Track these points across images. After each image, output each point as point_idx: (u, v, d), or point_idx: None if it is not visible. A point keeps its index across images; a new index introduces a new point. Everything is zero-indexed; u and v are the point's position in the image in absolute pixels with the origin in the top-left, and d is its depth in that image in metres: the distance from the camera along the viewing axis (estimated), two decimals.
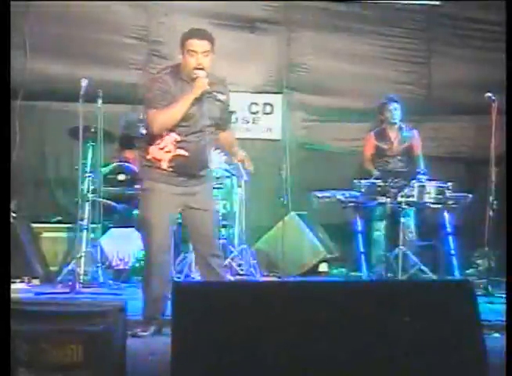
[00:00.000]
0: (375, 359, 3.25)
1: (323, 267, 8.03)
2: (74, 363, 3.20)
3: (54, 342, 3.19)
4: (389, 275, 7.07)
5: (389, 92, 8.49)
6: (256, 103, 8.75)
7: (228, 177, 7.46)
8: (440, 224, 7.52)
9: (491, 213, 6.66)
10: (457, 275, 7.29)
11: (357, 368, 3.23)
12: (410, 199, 7.02)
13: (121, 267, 7.24)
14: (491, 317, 5.14)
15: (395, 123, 7.67)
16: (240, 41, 8.64)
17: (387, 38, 8.85)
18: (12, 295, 3.49)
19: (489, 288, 6.58)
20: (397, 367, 3.27)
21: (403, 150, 7.68)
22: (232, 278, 6.74)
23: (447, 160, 7.94)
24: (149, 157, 4.93)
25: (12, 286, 6.01)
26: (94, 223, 7.01)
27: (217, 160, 6.88)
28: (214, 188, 5.87)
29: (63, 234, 7.55)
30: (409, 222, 7.43)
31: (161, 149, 4.87)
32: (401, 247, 6.94)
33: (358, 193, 7.30)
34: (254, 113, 8.73)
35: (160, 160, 4.88)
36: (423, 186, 7.07)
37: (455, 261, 7.38)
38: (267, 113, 8.77)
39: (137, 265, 7.24)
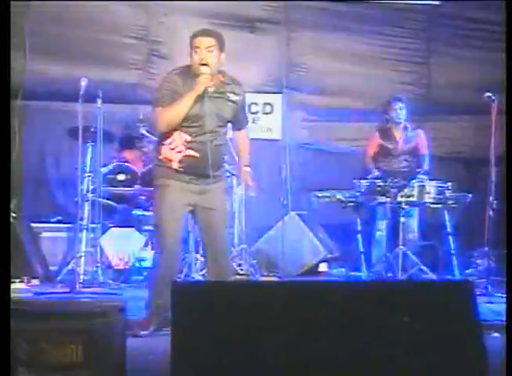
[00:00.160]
0: (375, 359, 3.25)
1: (323, 267, 8.03)
2: (74, 363, 3.19)
3: (54, 342, 3.19)
4: (389, 275, 7.07)
5: (389, 91, 8.50)
6: (256, 103, 8.75)
7: (228, 177, 7.45)
8: (440, 224, 7.52)
9: (491, 213, 6.66)
10: (457, 275, 7.29)
11: (357, 368, 3.23)
12: (410, 199, 7.02)
13: (121, 267, 7.24)
14: (491, 317, 5.14)
15: (400, 122, 7.66)
16: (240, 41, 8.63)
17: (387, 38, 8.85)
18: (12, 295, 3.49)
19: (489, 288, 6.57)
20: (397, 367, 3.26)
21: (408, 150, 7.67)
22: (231, 278, 6.74)
23: (447, 160, 7.94)
24: (160, 157, 4.95)
25: (12, 286, 6.01)
26: (94, 223, 7.01)
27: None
28: None
29: (63, 234, 7.55)
30: (411, 222, 7.43)
31: (172, 149, 4.89)
32: (401, 246, 6.94)
33: (358, 193, 7.30)
34: (253, 113, 8.73)
35: (171, 160, 4.89)
36: (423, 186, 7.06)
37: (455, 261, 7.39)
38: (267, 113, 8.78)
39: (137, 265, 7.25)
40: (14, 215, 6.86)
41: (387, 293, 3.49)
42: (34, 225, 7.52)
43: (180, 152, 4.87)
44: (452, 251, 7.41)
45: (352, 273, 7.63)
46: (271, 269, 7.73)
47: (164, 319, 4.53)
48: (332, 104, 8.88)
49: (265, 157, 8.08)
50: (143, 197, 7.58)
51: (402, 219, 7.00)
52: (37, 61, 8.08)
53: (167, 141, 4.90)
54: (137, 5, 8.51)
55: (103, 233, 7.23)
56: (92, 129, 6.91)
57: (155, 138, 7.19)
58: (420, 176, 7.14)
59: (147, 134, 7.41)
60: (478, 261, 7.44)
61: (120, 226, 7.45)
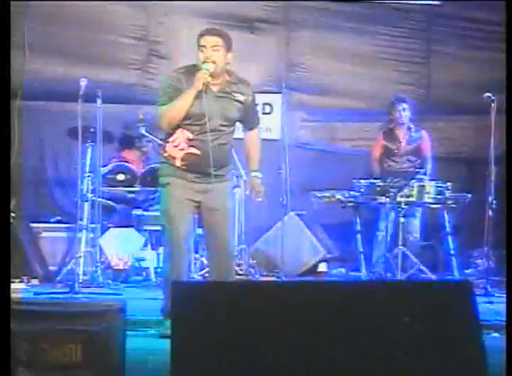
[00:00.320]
0: (374, 359, 3.25)
1: (322, 267, 8.03)
2: (74, 363, 3.19)
3: (53, 342, 3.18)
4: (388, 275, 7.07)
5: (389, 92, 8.51)
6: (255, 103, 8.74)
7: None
8: (439, 224, 7.52)
9: (490, 213, 6.66)
10: (456, 275, 7.30)
11: (357, 368, 3.23)
12: (410, 199, 7.03)
13: (121, 267, 7.23)
14: (490, 317, 5.14)
15: (404, 123, 7.66)
16: (239, 41, 8.57)
17: (387, 38, 8.85)
18: (12, 295, 3.48)
19: (489, 288, 6.58)
20: (396, 367, 3.26)
21: (411, 151, 7.68)
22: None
23: (447, 160, 7.93)
24: (165, 154, 4.96)
25: (12, 286, 5.99)
26: (93, 223, 7.01)
27: None
28: None
29: (63, 234, 7.55)
30: (414, 222, 7.44)
31: (176, 146, 4.90)
32: (400, 247, 6.94)
33: (357, 193, 7.31)
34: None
35: (174, 158, 4.90)
36: (423, 186, 7.07)
37: (454, 261, 7.39)
38: (266, 113, 8.77)
39: (136, 265, 7.25)
40: (14, 214, 6.86)
41: (386, 293, 3.49)
42: (33, 225, 7.53)
43: (182, 149, 4.88)
44: (452, 251, 7.42)
45: (352, 273, 7.63)
46: (270, 269, 7.73)
47: None
48: (331, 104, 8.88)
49: (265, 157, 8.04)
50: (143, 197, 7.58)
51: (402, 219, 7.01)
52: (37, 61, 8.07)
53: (171, 139, 4.92)
54: (136, 5, 8.50)
55: (103, 233, 7.23)
56: (92, 129, 6.91)
57: (154, 137, 7.25)
58: (420, 176, 7.14)
59: (147, 134, 7.41)
60: (478, 261, 7.45)
61: (119, 226, 7.45)
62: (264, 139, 8.53)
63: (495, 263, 6.99)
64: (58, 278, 6.79)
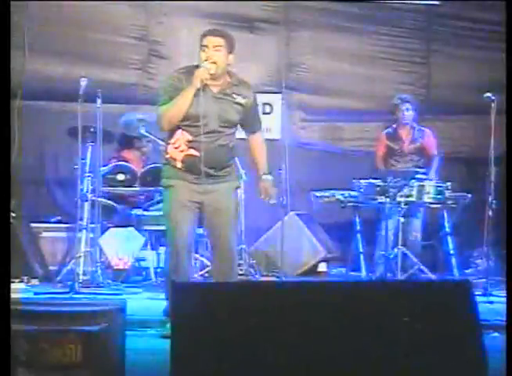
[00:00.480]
0: (374, 359, 3.25)
1: (322, 267, 8.03)
2: (74, 363, 3.19)
3: (53, 342, 3.19)
4: (388, 275, 7.07)
5: (389, 92, 8.51)
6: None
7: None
8: (439, 224, 7.52)
9: (490, 213, 6.66)
10: (456, 275, 7.30)
11: (357, 368, 3.23)
12: (409, 199, 7.03)
13: (121, 267, 7.23)
14: (490, 317, 5.14)
15: (407, 123, 7.67)
16: (239, 41, 8.55)
17: (386, 38, 8.85)
18: (12, 295, 3.48)
19: (488, 288, 6.57)
20: (396, 367, 3.27)
21: (415, 150, 7.68)
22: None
23: (447, 160, 7.93)
24: (167, 156, 4.96)
25: (12, 286, 5.99)
26: (93, 223, 7.00)
27: None
28: None
29: (63, 234, 7.55)
30: (416, 222, 7.44)
31: (176, 148, 4.89)
32: (400, 246, 6.94)
33: (357, 193, 7.31)
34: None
35: (175, 160, 4.90)
36: (423, 186, 7.07)
37: (454, 260, 7.40)
38: (266, 113, 8.76)
39: (136, 265, 7.25)
40: (13, 214, 6.86)
41: (386, 293, 3.49)
42: (33, 225, 7.52)
43: (183, 151, 4.88)
44: (452, 251, 7.42)
45: (352, 273, 7.63)
46: (270, 269, 7.73)
47: None
48: (331, 104, 8.88)
49: None
50: (143, 197, 7.57)
51: (402, 219, 7.01)
52: (37, 61, 8.07)
53: (172, 140, 4.91)
54: (136, 5, 8.50)
55: (103, 233, 7.22)
56: (92, 129, 6.91)
57: (154, 137, 7.25)
58: (420, 176, 7.14)
59: (147, 134, 7.41)
60: (478, 261, 7.45)
61: (119, 226, 7.44)
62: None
63: (495, 263, 6.98)
64: (58, 278, 6.78)
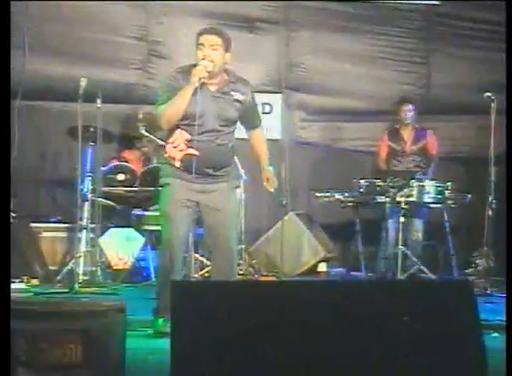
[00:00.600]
0: (374, 359, 3.25)
1: (322, 267, 8.04)
2: (73, 363, 3.19)
3: (53, 342, 3.18)
4: (388, 275, 7.08)
5: (389, 92, 8.52)
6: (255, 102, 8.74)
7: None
8: (439, 224, 7.53)
9: (490, 213, 6.66)
10: (456, 275, 7.30)
11: (357, 368, 3.23)
12: (410, 199, 7.03)
13: (121, 267, 7.24)
14: (490, 317, 5.13)
15: (409, 123, 7.69)
16: (239, 41, 8.57)
17: (386, 38, 8.85)
18: (11, 295, 3.48)
19: (488, 288, 6.58)
20: (396, 367, 3.27)
21: (417, 150, 7.69)
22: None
23: (447, 160, 7.94)
24: (166, 155, 4.95)
25: (12, 286, 6.00)
26: (93, 223, 7.01)
27: None
28: None
29: (63, 234, 7.55)
30: (417, 222, 7.44)
31: (175, 147, 4.88)
32: (400, 246, 6.94)
33: (357, 193, 7.31)
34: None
35: (174, 159, 4.88)
36: (423, 186, 7.08)
37: (454, 261, 7.40)
38: (266, 113, 8.76)
39: (136, 265, 7.25)
40: (14, 214, 6.86)
41: (386, 293, 3.49)
42: (33, 225, 7.52)
43: (182, 150, 4.87)
44: (452, 251, 7.42)
45: (352, 273, 7.63)
46: (270, 269, 7.74)
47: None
48: (331, 104, 8.88)
49: None
50: (143, 197, 7.57)
51: (403, 219, 7.02)
52: (37, 61, 8.06)
53: (171, 139, 4.91)
54: (136, 5, 8.50)
55: (103, 233, 7.24)
56: (92, 129, 6.91)
57: (154, 137, 7.25)
58: (420, 176, 7.14)
59: (147, 134, 7.41)
60: (478, 261, 7.44)
61: (119, 226, 7.45)
62: None
63: (495, 263, 6.99)
64: (58, 278, 6.78)
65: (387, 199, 7.07)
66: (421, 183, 7.07)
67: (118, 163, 7.61)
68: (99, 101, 6.84)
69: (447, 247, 7.49)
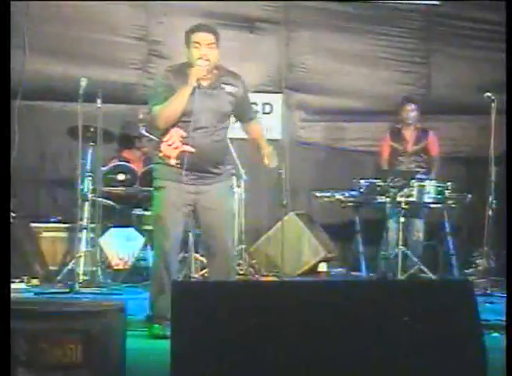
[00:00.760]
0: (374, 359, 3.25)
1: (322, 267, 8.04)
2: (74, 363, 3.19)
3: (53, 342, 3.18)
4: (389, 275, 7.07)
5: (389, 91, 8.53)
6: (255, 103, 8.73)
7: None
8: (439, 224, 7.53)
9: (490, 213, 6.66)
10: (456, 275, 7.30)
11: (357, 367, 3.23)
12: (410, 199, 7.03)
13: (121, 267, 7.24)
14: (490, 317, 5.13)
15: (411, 123, 7.68)
16: (239, 41, 8.63)
17: (386, 38, 8.85)
18: (12, 295, 3.48)
19: (489, 288, 6.58)
20: (396, 367, 3.27)
21: (418, 151, 7.68)
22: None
23: (447, 160, 7.94)
24: (161, 154, 4.92)
25: (12, 286, 6.00)
26: (93, 223, 7.00)
27: None
28: None
29: (63, 234, 7.55)
30: (418, 222, 7.44)
31: (170, 145, 4.86)
32: (400, 246, 6.94)
33: (357, 193, 7.31)
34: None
35: (169, 157, 4.85)
36: (423, 186, 7.08)
37: (454, 260, 7.40)
38: (266, 113, 8.77)
39: (137, 265, 7.24)
40: (14, 214, 6.86)
41: (386, 293, 3.49)
42: (33, 225, 7.52)
43: (177, 148, 4.84)
44: (452, 251, 7.42)
45: (352, 273, 7.63)
46: (270, 269, 7.74)
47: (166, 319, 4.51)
48: (331, 104, 8.88)
49: None
50: (143, 197, 7.57)
51: (403, 219, 7.02)
52: (37, 61, 8.05)
53: (165, 138, 4.89)
54: (136, 5, 8.51)
55: (103, 233, 7.23)
56: (92, 129, 6.91)
57: (154, 137, 7.25)
58: (420, 176, 7.14)
59: (147, 134, 7.41)
60: (478, 260, 7.44)
61: (119, 226, 7.45)
62: None
63: (495, 263, 6.99)
64: (58, 278, 6.78)
65: (388, 199, 7.07)
66: (421, 183, 7.07)
67: (118, 163, 7.61)
68: (99, 101, 6.83)
69: (447, 247, 7.49)
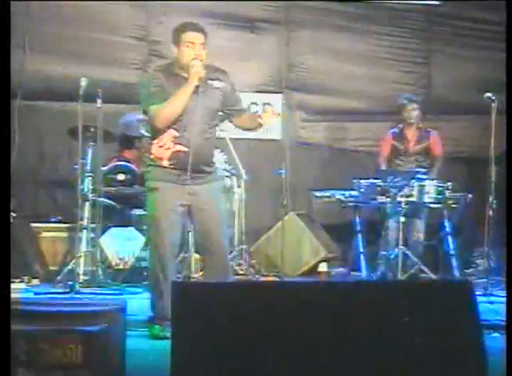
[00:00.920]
0: (374, 359, 3.25)
1: (323, 267, 8.03)
2: (74, 363, 3.19)
3: (53, 342, 3.18)
4: (389, 275, 7.07)
5: (389, 91, 8.52)
6: (255, 103, 8.74)
7: (227, 177, 7.45)
8: (439, 224, 7.52)
9: (490, 213, 6.65)
10: (457, 275, 7.29)
11: (357, 368, 3.23)
12: (410, 199, 7.03)
13: (121, 267, 7.23)
14: (491, 317, 5.13)
15: (413, 123, 7.68)
16: (240, 41, 8.64)
17: (387, 38, 8.85)
18: (12, 295, 3.47)
19: (489, 288, 6.57)
20: (396, 367, 3.26)
21: (420, 150, 7.68)
22: (231, 278, 6.73)
23: (447, 160, 7.94)
24: (152, 156, 4.91)
25: (12, 286, 6.00)
26: (93, 223, 7.00)
27: (217, 160, 6.87)
28: None
29: (63, 234, 7.55)
30: (419, 222, 7.44)
31: (161, 146, 4.84)
32: (400, 246, 6.94)
33: (357, 193, 7.31)
34: (253, 113, 8.71)
35: (161, 159, 4.84)
36: (423, 186, 7.07)
37: (454, 261, 7.39)
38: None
39: (137, 265, 7.24)
40: (14, 214, 6.86)
41: (386, 293, 3.49)
42: (33, 225, 7.53)
43: (169, 148, 4.82)
44: (452, 251, 7.41)
45: (352, 273, 7.63)
46: (270, 269, 7.74)
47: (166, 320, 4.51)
48: (332, 104, 8.88)
49: (265, 157, 8.08)
50: (143, 197, 7.57)
51: (403, 219, 7.01)
52: (37, 61, 8.07)
53: (156, 140, 4.87)
54: (136, 4, 8.51)
55: (103, 232, 7.23)
56: (92, 129, 6.91)
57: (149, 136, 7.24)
58: (420, 176, 7.14)
59: (147, 134, 7.40)
60: (478, 261, 7.44)
61: (120, 226, 7.44)
62: (264, 139, 8.62)
63: (495, 263, 6.98)
64: (58, 278, 6.77)
65: (388, 199, 7.06)
66: (421, 183, 7.06)
67: (118, 163, 7.60)
68: (99, 101, 6.83)
69: (447, 247, 7.48)
